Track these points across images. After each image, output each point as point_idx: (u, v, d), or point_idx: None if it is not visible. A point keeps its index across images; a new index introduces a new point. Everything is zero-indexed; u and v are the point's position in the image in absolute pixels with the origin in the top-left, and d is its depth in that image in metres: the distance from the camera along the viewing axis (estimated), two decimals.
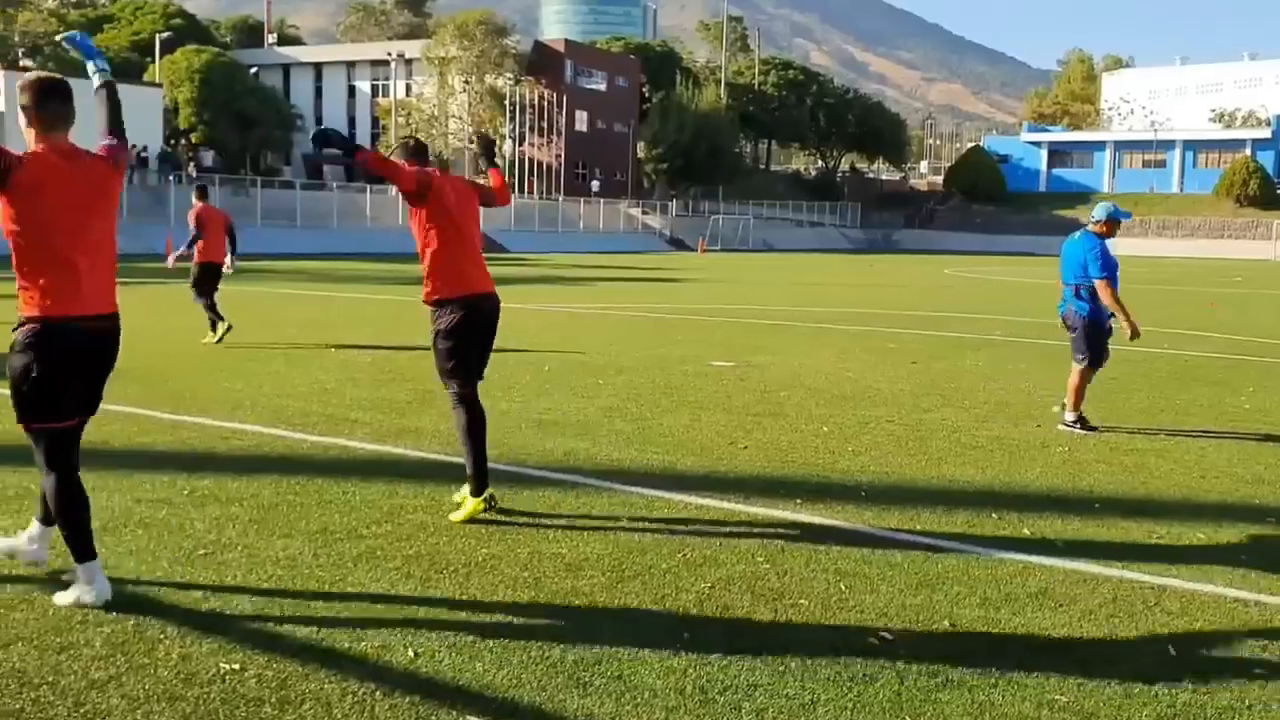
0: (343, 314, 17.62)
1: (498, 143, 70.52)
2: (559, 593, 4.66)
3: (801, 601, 4.66)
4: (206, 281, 13.14)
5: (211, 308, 13.06)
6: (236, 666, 3.82)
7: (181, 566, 4.86)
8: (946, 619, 4.52)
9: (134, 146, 48.83)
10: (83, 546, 4.40)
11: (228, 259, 13.38)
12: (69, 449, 4.46)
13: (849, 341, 15.03)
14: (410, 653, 4.00)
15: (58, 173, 4.30)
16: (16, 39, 50.80)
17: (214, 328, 12.99)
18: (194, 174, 54.16)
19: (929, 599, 4.74)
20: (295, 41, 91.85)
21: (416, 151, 6.07)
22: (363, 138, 76.61)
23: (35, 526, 4.79)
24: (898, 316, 19.71)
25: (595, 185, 70.74)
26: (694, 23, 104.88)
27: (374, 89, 77.30)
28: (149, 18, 73.32)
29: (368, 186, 56.73)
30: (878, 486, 6.76)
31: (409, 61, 70.43)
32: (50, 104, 4.37)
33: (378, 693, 3.66)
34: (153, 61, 63.81)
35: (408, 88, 72.64)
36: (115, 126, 4.71)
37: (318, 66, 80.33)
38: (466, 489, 5.85)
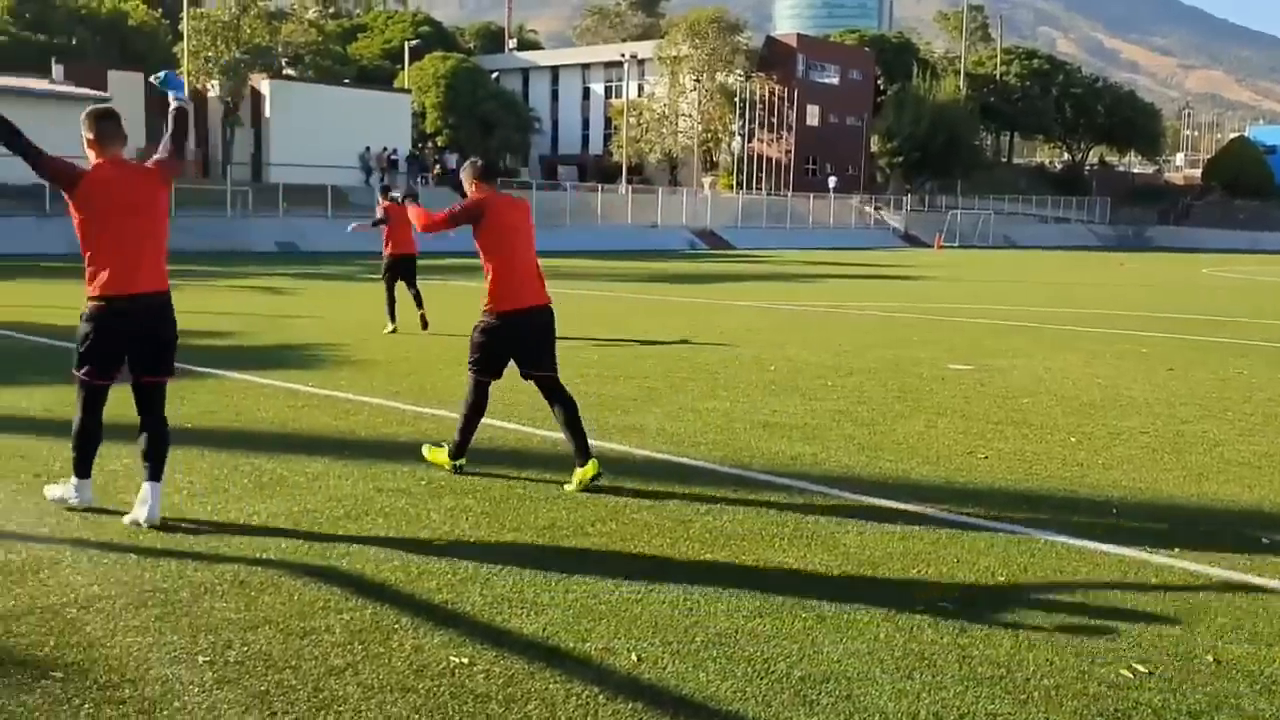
0: (572, 311, 17.99)
1: (725, 140, 70.67)
2: (785, 604, 4.53)
3: (1044, 626, 4.36)
4: (391, 272, 14.06)
5: (391, 304, 13.92)
6: (466, 661, 3.88)
7: (418, 557, 5.00)
8: (1210, 654, 4.13)
9: (384, 149, 51.70)
10: (84, 468, 5.64)
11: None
12: (99, 401, 5.59)
13: (1098, 345, 14.18)
14: (634, 657, 3.96)
15: (109, 183, 5.40)
16: (279, 49, 54.40)
17: (393, 318, 13.91)
18: (440, 176, 56.75)
19: (1188, 632, 4.34)
20: (534, 46, 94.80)
21: (485, 173, 6.68)
22: (596, 139, 78.41)
23: (145, 488, 5.48)
24: (1151, 319, 18.49)
25: (832, 181, 69.81)
26: (931, 13, 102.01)
27: (607, 90, 78.86)
28: (399, 26, 77.24)
29: (599, 186, 57.94)
30: (1130, 503, 6.30)
31: (641, 62, 71.49)
32: (102, 128, 5.50)
33: (600, 696, 3.63)
34: (402, 68, 67.23)
35: (640, 88, 73.74)
36: (177, 144, 5.82)
37: (554, 70, 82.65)
38: (445, 448, 6.54)
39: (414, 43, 68.88)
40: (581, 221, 52.10)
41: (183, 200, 40.14)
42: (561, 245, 45.82)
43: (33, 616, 4.17)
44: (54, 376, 9.79)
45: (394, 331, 13.73)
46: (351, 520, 5.54)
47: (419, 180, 51.79)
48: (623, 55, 69.61)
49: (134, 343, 5.51)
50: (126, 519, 5.43)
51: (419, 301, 14.07)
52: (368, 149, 51.26)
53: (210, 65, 49.61)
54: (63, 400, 8.59)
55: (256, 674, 3.73)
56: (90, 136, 5.50)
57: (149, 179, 5.60)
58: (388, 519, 5.58)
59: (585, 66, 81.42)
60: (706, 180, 68.79)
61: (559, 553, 5.12)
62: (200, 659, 3.83)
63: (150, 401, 5.62)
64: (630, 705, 3.58)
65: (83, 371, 5.52)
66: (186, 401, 8.68)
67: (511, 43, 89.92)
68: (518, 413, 8.48)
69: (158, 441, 5.54)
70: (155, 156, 5.72)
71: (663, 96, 70.91)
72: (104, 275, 5.40)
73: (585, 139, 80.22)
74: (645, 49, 72.51)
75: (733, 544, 5.33)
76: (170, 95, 5.89)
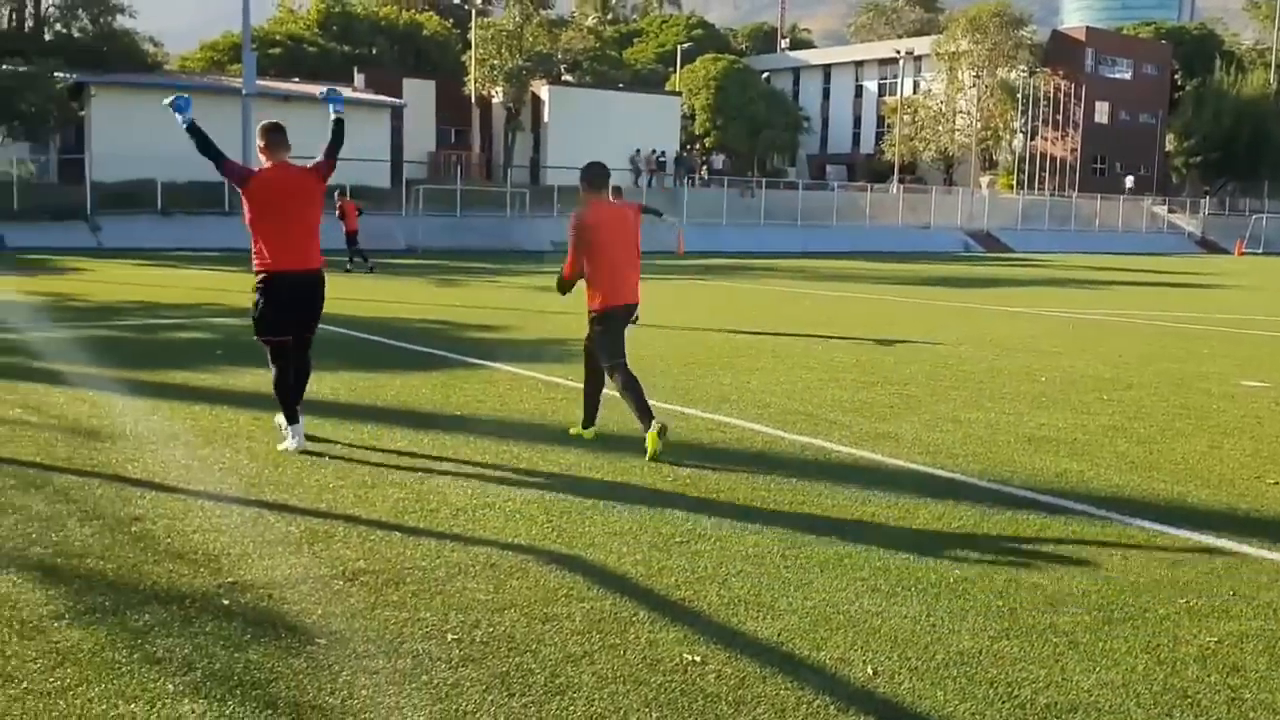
0: (832, 313, 17.76)
1: (1006, 138, 67.88)
2: (1035, 627, 4.30)
3: None
4: None
5: None
6: (698, 659, 3.90)
7: (658, 552, 5.07)
8: None
9: (653, 151, 52.70)
10: (291, 414, 6.91)
11: None
12: (284, 354, 6.96)
13: None
14: (869, 670, 3.86)
15: (272, 181, 6.82)
16: (559, 56, 56.45)
17: None
18: (705, 177, 57.40)
19: None
20: (807, 45, 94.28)
21: (593, 183, 7.32)
22: (867, 137, 77.12)
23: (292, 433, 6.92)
24: None
25: (1129, 181, 65.71)
26: (1240, 2, 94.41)
27: (881, 88, 77.41)
28: (673, 30, 78.65)
29: (869, 185, 56.96)
30: None
31: (918, 59, 69.71)
32: (271, 138, 6.90)
33: (832, 707, 3.56)
34: (674, 71, 68.39)
35: (915, 85, 71.94)
36: (333, 149, 7.05)
37: (826, 68, 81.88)
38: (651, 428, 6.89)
39: (687, 45, 69.96)
40: (849, 221, 51.40)
41: (467, 201, 42.49)
42: (827, 246, 45.40)
43: (305, 585, 4.51)
44: (344, 363, 10.56)
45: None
46: (598, 512, 5.67)
47: (687, 181, 52.58)
48: (898, 52, 68.13)
49: (290, 308, 6.92)
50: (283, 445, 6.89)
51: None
52: (638, 151, 52.47)
53: (495, 72, 52.09)
54: (350, 385, 9.26)
55: (499, 655, 3.88)
56: (262, 144, 6.88)
57: (305, 179, 6.92)
58: (633, 513, 5.69)
59: (859, 64, 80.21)
60: (984, 180, 66.34)
61: (800, 558, 5.06)
62: (449, 636, 4.02)
63: (300, 348, 7.12)
64: (862, 719, 3.49)
65: (261, 337, 7.00)
66: (457, 391, 9.16)
67: (784, 42, 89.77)
68: (767, 415, 8.45)
69: (301, 375, 7.14)
70: (314, 160, 6.94)
71: (939, 93, 68.85)
72: (266, 256, 6.79)
73: (856, 138, 79.04)
74: (922, 45, 70.65)
75: (984, 561, 5.10)
76: (330, 108, 7.24)
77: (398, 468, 6.50)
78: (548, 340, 13.00)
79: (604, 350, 7.30)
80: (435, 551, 4.99)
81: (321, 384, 9.34)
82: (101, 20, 47.25)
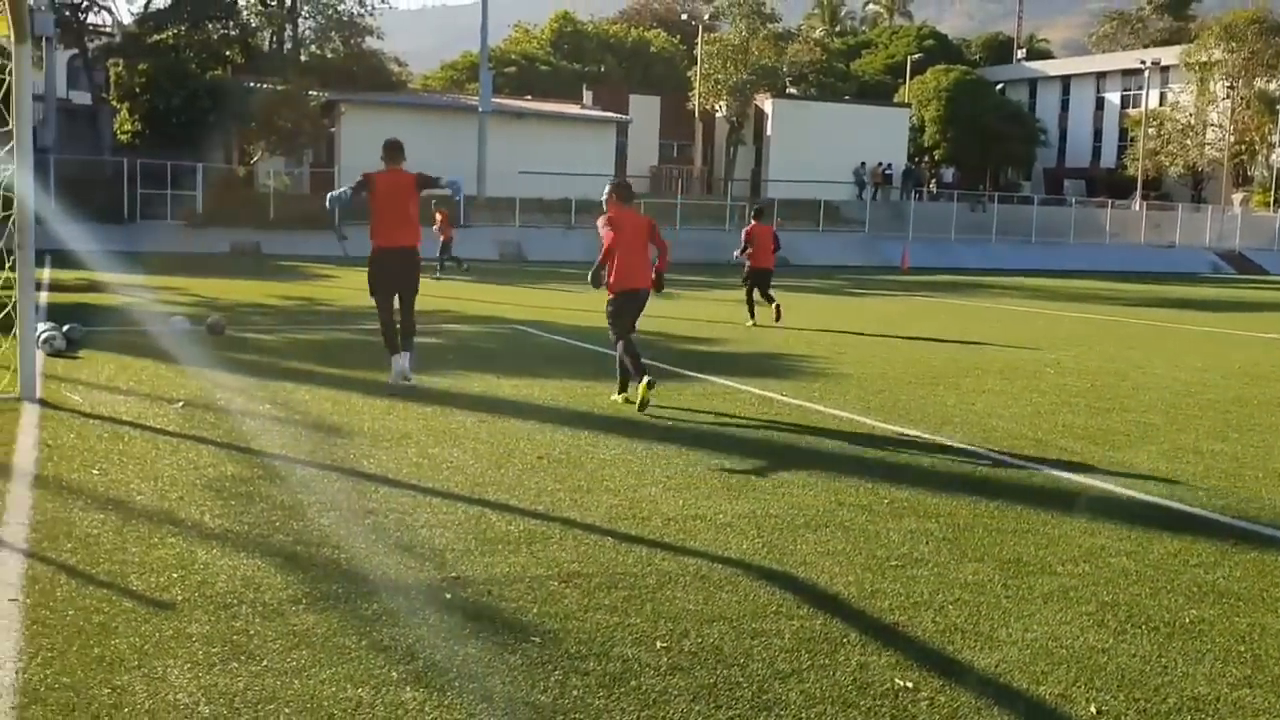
0: (1067, 334, 16.99)
1: (1262, 152, 63.31)
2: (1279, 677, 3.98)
3: None
4: (752, 280, 16.87)
5: (750, 304, 16.87)
6: (911, 685, 3.80)
7: (872, 575, 4.97)
8: None
9: (880, 164, 51.83)
10: (392, 346, 9.51)
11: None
12: (389, 309, 9.46)
13: None
14: (1093, 708, 3.67)
15: (382, 182, 9.33)
16: (785, 69, 56.31)
17: (753, 315, 16.75)
18: (934, 190, 56.02)
19: None
20: (1044, 55, 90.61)
21: (619, 193, 9.27)
22: (1108, 151, 73.52)
23: (398, 362, 9.50)
24: None
25: None
26: None
27: (1124, 100, 73.64)
28: (903, 41, 77.14)
29: (1109, 201, 54.28)
30: None
31: (1164, 69, 65.96)
32: (389, 151, 9.47)
33: None
34: (903, 83, 67.08)
35: (1161, 96, 68.09)
36: (426, 184, 9.46)
37: (1065, 79, 78.51)
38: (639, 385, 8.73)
39: (917, 56, 68.49)
40: (1087, 239, 49.09)
41: (685, 215, 42.94)
42: (1063, 264, 43.51)
43: (522, 584, 4.65)
44: (563, 371, 10.85)
45: (754, 324, 16.51)
46: (811, 530, 5.61)
47: (914, 195, 51.45)
48: (1143, 62, 64.62)
49: (393, 275, 9.40)
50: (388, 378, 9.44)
51: (772, 300, 16.59)
52: (863, 164, 51.72)
53: (719, 87, 52.45)
54: (569, 393, 9.50)
55: (707, 666, 3.89)
56: (382, 156, 9.47)
57: (406, 182, 9.40)
58: (846, 533, 5.60)
59: (1100, 75, 76.54)
60: (1236, 197, 62.06)
61: (1022, 589, 4.86)
62: (658, 644, 4.06)
63: (405, 306, 9.50)
64: None
65: (374, 296, 9.55)
66: (670, 402, 9.25)
67: (1020, 53, 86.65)
68: (993, 439, 8.16)
69: (408, 327, 9.53)
70: (419, 172, 9.49)
71: (1188, 105, 64.90)
72: (376, 236, 9.32)
73: (1096, 151, 75.43)
74: (1170, 55, 66.75)
75: (1225, 602, 4.76)
76: (450, 189, 10.20)
77: (612, 474, 6.62)
78: (763, 354, 12.97)
79: (614, 325, 9.18)
80: (646, 559, 5.05)
81: (542, 390, 9.64)
82: (352, 42, 50.30)
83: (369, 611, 4.28)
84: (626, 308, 9.15)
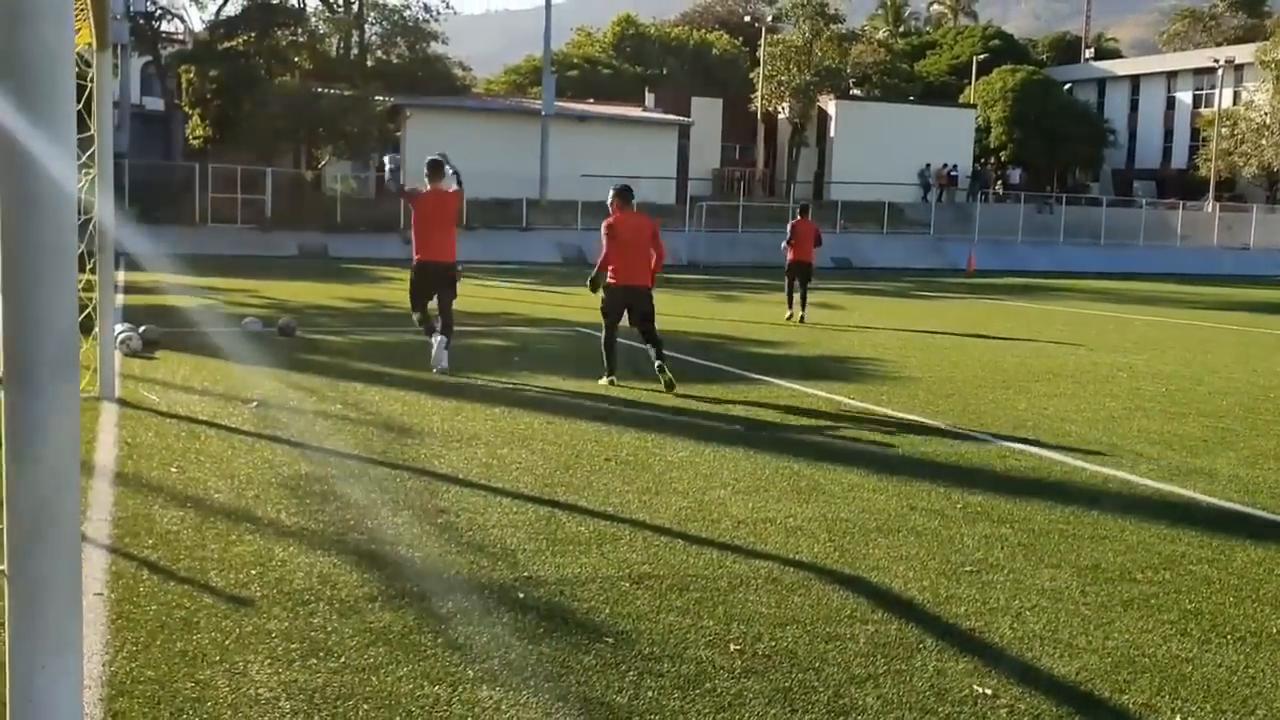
0: (1138, 337, 16.67)
1: None
2: None
3: None
4: (791, 273, 17.98)
5: (790, 295, 17.86)
6: (989, 692, 3.75)
7: (946, 580, 4.91)
8: None
9: (944, 166, 51.29)
10: (429, 330, 10.65)
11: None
12: (425, 309, 10.75)
13: None
14: (1177, 718, 3.59)
15: (428, 200, 10.46)
16: (848, 70, 55.91)
17: (790, 305, 17.75)
18: (1000, 192, 55.29)
19: None
20: (1113, 55, 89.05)
21: (623, 198, 10.21)
22: (1179, 152, 72.11)
23: (435, 339, 10.55)
24: None
25: None
26: None
27: (1195, 99, 72.14)
28: (968, 41, 76.21)
29: (1181, 203, 53.23)
30: None
31: (1239, 67, 64.50)
32: (431, 169, 10.50)
33: None
34: (969, 83, 66.30)
35: (1235, 95, 66.58)
36: (461, 183, 10.70)
37: (1134, 79, 77.09)
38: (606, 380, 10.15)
39: (983, 57, 67.64)
40: (1158, 241, 48.14)
41: (748, 217, 42.82)
42: (1132, 266, 42.72)
43: (594, 584, 4.66)
44: (629, 373, 10.86)
45: (791, 318, 17.49)
46: (883, 534, 5.56)
47: (979, 197, 50.81)
48: (1216, 61, 63.23)
49: (431, 284, 10.65)
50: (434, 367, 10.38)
51: (804, 300, 17.77)
52: (927, 166, 51.19)
53: (782, 88, 52.22)
54: (635, 395, 9.50)
55: (782, 670, 3.87)
56: (426, 174, 10.53)
57: (449, 200, 10.67)
58: (919, 538, 5.54)
59: (1171, 74, 75.05)
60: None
61: (1101, 596, 4.77)
62: (732, 647, 4.05)
63: (443, 307, 10.67)
64: None
65: (412, 299, 10.83)
66: (737, 405, 9.22)
67: (1088, 52, 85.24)
68: (1066, 444, 8.03)
69: (446, 323, 10.64)
70: (454, 188, 10.62)
71: (1264, 104, 63.38)
72: (419, 250, 10.53)
73: (1166, 152, 73.96)
74: (1244, 53, 65.25)
75: None
76: (449, 170, 10.67)
77: (680, 476, 6.61)
78: (829, 357, 12.88)
79: (605, 312, 10.28)
80: (717, 562, 5.04)
81: (607, 392, 9.66)
82: (417, 47, 50.78)
83: (444, 610, 4.32)
84: (618, 298, 10.17)
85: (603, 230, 10.16)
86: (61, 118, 1.92)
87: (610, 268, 10.07)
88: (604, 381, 10.08)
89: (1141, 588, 4.89)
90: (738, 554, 5.17)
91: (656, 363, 9.85)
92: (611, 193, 10.26)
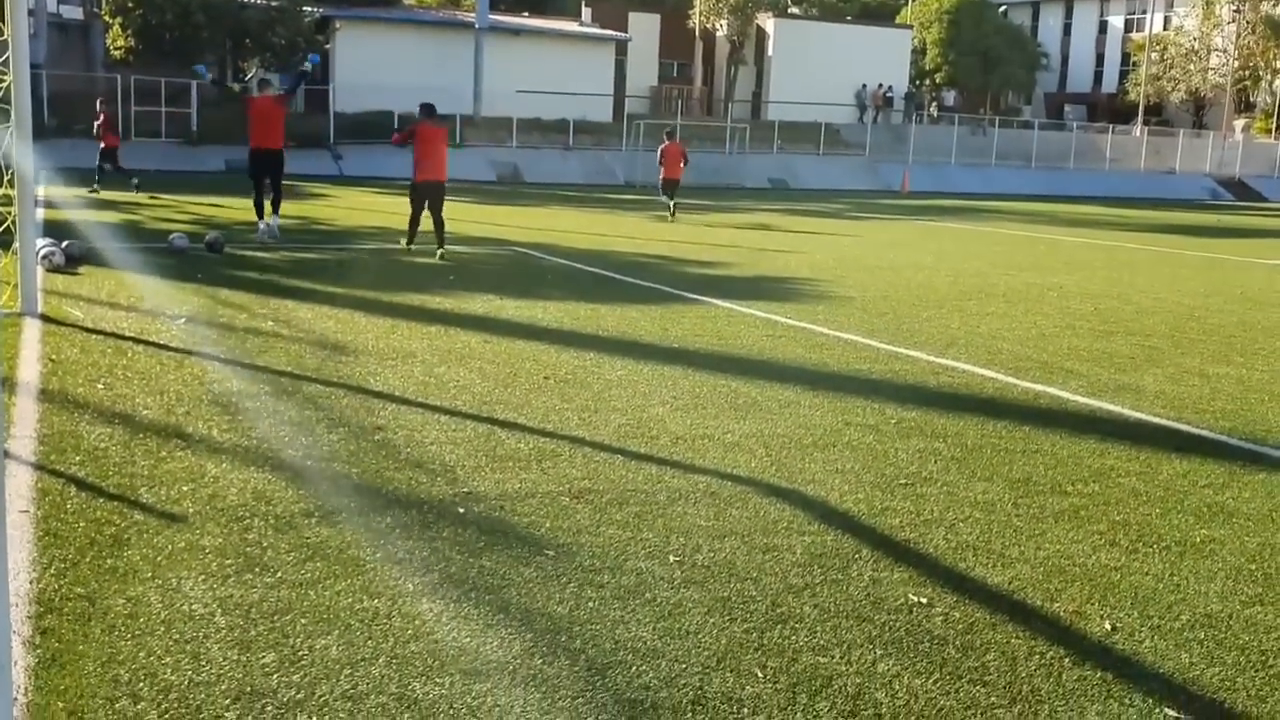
0: (1068, 258, 16.91)
1: (1266, 79, 62.62)
2: None
3: None
4: (665, 186, 22.30)
5: (668, 204, 21.79)
6: (924, 600, 3.81)
7: (881, 493, 4.97)
8: None
9: (880, 86, 51.21)
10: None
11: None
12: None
13: None
14: (1107, 625, 3.69)
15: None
16: None
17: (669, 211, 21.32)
18: (935, 114, 55.42)
19: None
20: None
21: (428, 113, 13.70)
22: (1110, 76, 72.75)
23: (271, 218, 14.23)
24: None
25: None
26: None
27: (1128, 24, 72.59)
28: None
29: (1111, 127, 53.81)
30: None
31: None
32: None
33: (1066, 660, 3.42)
34: (906, 4, 66.02)
35: (1166, 21, 67.12)
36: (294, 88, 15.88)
37: (1068, 3, 77.31)
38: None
39: None
40: (1088, 165, 48.75)
41: (686, 136, 42.42)
42: (1063, 189, 43.26)
43: (534, 500, 4.64)
44: (566, 293, 10.78)
45: (670, 219, 21.00)
46: (819, 449, 5.61)
47: (914, 118, 50.90)
48: None
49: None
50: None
51: (673, 206, 21.60)
52: (864, 86, 51.08)
53: (721, 5, 51.56)
54: (572, 315, 9.45)
55: (720, 580, 3.90)
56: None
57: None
58: (854, 452, 5.59)
59: None
60: (1239, 124, 61.47)
61: (1032, 508, 4.87)
62: (671, 558, 4.07)
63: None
64: (1099, 674, 3.34)
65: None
66: (674, 324, 9.21)
67: None
68: (998, 361, 8.14)
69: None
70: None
71: (1192, 30, 64.01)
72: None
73: (1098, 76, 74.54)
74: None
75: (1235, 522, 4.78)
76: (308, 62, 14.51)
77: (618, 394, 6.60)
78: (765, 278, 12.90)
79: (412, 202, 13.64)
80: (656, 477, 5.05)
81: (545, 312, 9.59)
82: None
83: (382, 525, 4.28)
84: (420, 193, 13.57)
85: (411, 130, 13.82)
86: None
87: (417, 169, 13.50)
88: (403, 244, 13.89)
89: (1072, 500, 5.00)
90: (676, 469, 5.18)
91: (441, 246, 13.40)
92: (420, 110, 13.79)
